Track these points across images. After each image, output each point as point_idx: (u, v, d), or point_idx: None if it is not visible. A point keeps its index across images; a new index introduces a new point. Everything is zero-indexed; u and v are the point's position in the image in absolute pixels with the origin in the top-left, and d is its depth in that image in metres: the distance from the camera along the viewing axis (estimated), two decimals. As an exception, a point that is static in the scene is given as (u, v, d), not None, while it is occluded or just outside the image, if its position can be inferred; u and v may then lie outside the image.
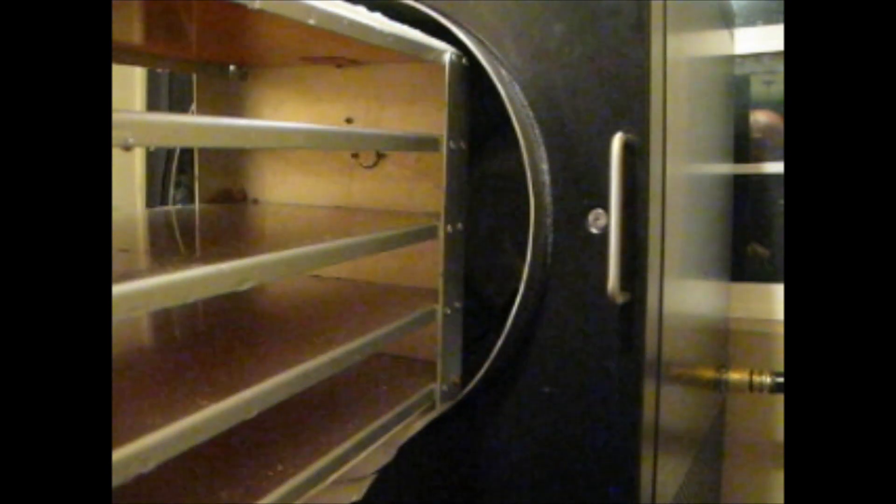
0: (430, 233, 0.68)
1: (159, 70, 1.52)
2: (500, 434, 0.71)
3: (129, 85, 1.59)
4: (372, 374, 0.73)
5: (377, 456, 0.62)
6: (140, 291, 0.37)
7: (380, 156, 0.84)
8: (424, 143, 0.68)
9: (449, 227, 0.69)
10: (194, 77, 0.89)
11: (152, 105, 1.58)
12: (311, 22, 0.50)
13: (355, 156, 0.85)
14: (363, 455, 0.59)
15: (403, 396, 0.67)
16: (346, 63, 0.82)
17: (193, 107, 0.89)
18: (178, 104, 1.56)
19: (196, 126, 0.43)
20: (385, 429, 0.62)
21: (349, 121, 0.84)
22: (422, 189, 0.81)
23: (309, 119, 0.87)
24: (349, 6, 0.56)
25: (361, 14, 0.57)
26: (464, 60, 0.68)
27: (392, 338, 0.63)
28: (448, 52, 0.66)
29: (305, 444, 0.57)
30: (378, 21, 0.59)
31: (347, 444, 0.57)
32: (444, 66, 0.66)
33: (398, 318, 0.64)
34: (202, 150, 0.90)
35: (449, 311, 0.70)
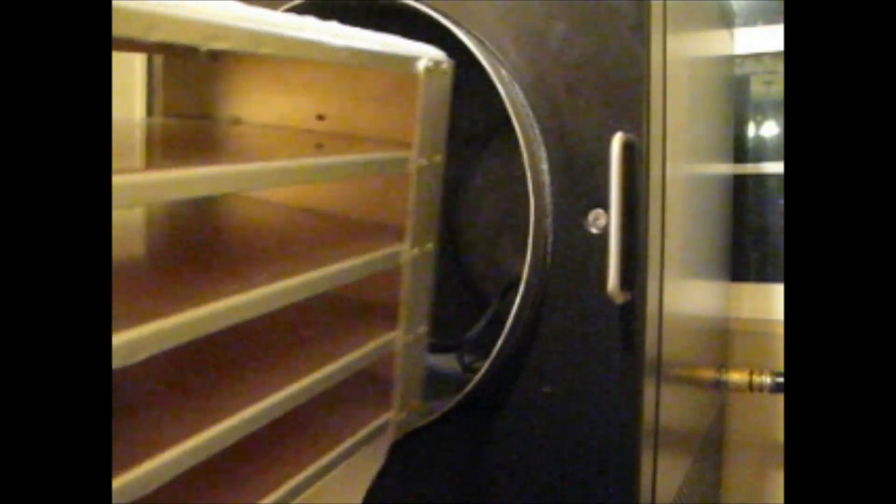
0: (390, 259, 0.59)
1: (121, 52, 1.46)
2: (500, 434, 0.71)
3: (128, 71, 1.57)
4: (329, 395, 0.61)
5: None
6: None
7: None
8: (390, 165, 0.60)
9: (416, 250, 0.61)
10: (158, 59, 0.82)
11: (151, 90, 1.54)
12: (225, 47, 0.42)
13: (320, 147, 0.74)
14: None
15: (357, 428, 0.59)
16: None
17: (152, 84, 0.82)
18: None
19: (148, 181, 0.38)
20: (318, 475, 0.54)
21: (321, 117, 0.75)
22: (396, 196, 0.70)
23: (278, 112, 0.78)
24: (291, 18, 0.48)
25: (307, 28, 0.49)
26: (444, 66, 0.61)
27: (338, 376, 0.54)
28: (423, 60, 0.58)
29: (218, 496, 0.48)
30: (330, 33, 0.51)
31: (268, 501, 0.49)
32: (418, 76, 0.58)
33: (348, 353, 0.56)
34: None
35: (410, 339, 0.62)
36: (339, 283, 0.53)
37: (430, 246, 0.63)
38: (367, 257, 0.57)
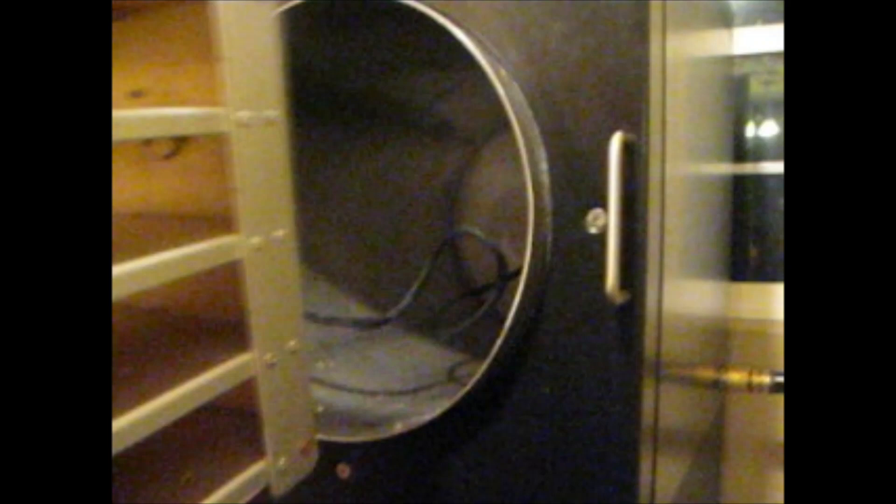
0: (219, 254, 0.43)
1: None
2: (499, 434, 0.71)
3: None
4: (175, 447, 0.47)
5: None
6: None
7: (179, 142, 0.60)
8: (194, 124, 0.43)
9: (255, 240, 0.45)
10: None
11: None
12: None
13: (147, 144, 0.61)
14: None
15: (221, 481, 0.44)
16: (128, 13, 0.56)
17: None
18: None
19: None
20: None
21: (137, 94, 0.61)
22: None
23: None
24: None
25: None
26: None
27: (168, 418, 0.40)
28: None
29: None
30: None
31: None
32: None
33: (180, 384, 0.41)
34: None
35: (273, 359, 0.47)
36: (147, 286, 0.39)
37: (280, 232, 0.48)
38: (181, 253, 0.41)
